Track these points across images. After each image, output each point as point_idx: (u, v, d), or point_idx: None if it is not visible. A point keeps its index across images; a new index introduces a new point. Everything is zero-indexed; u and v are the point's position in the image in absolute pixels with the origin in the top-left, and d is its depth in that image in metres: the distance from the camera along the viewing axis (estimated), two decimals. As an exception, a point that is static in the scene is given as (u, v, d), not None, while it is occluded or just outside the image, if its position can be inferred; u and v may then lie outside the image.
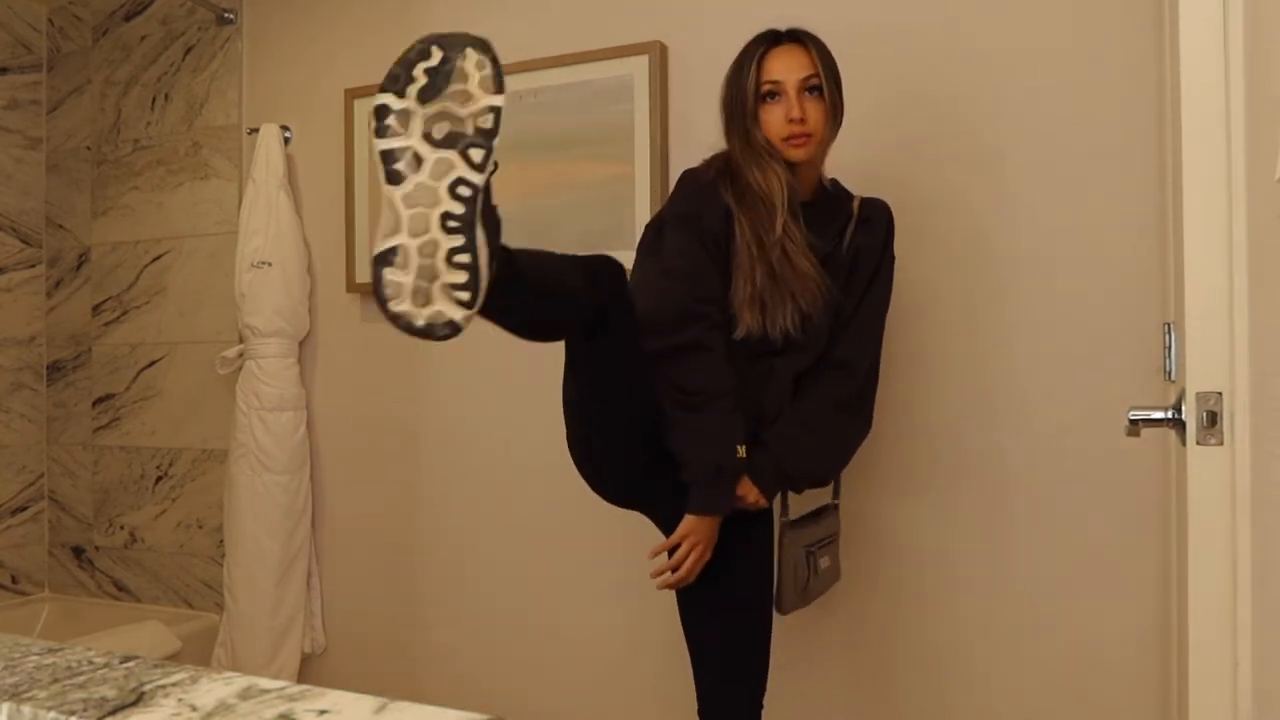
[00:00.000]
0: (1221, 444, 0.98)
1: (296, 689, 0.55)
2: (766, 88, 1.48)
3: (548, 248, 2.26)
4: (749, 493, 1.46)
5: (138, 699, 0.54)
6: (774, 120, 1.48)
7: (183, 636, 2.44)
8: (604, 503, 1.55)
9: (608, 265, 1.31)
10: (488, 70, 1.03)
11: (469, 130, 1.02)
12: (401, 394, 2.38)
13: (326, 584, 2.48)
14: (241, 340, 2.45)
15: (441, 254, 1.02)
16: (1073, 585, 1.75)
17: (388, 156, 1.02)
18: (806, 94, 1.48)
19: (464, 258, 1.02)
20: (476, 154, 1.02)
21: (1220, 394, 0.98)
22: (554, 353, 2.32)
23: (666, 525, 1.51)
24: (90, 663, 0.61)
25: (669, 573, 1.44)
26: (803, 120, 1.46)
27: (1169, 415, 1.11)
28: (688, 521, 1.42)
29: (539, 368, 2.21)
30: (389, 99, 1.03)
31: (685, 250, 1.47)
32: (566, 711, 2.19)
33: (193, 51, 2.65)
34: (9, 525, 2.79)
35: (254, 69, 2.58)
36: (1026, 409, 1.78)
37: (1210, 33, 0.99)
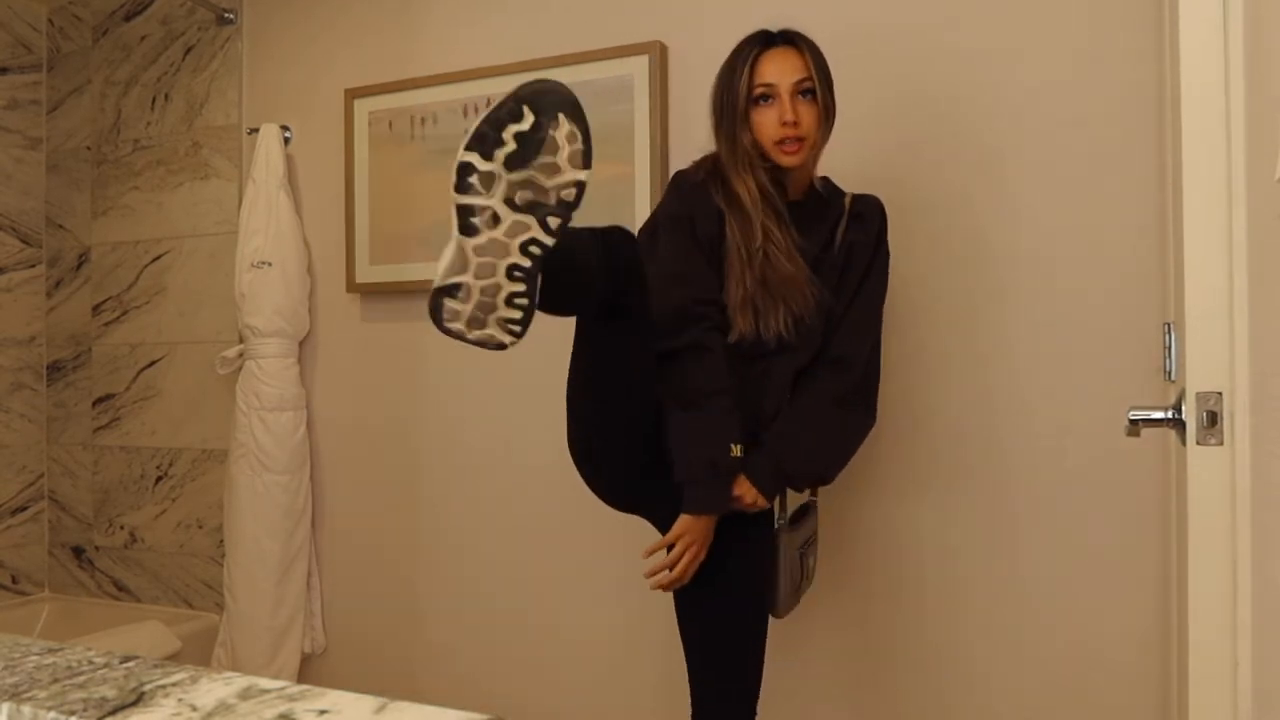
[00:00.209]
0: (1221, 444, 0.98)
1: (296, 689, 0.55)
2: (759, 91, 1.48)
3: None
4: (747, 493, 1.45)
5: (138, 699, 0.54)
6: (767, 124, 1.47)
7: (183, 636, 2.45)
8: (600, 506, 1.55)
9: (623, 239, 1.29)
10: (579, 144, 1.04)
11: (551, 201, 1.04)
12: (401, 394, 2.38)
13: (326, 584, 2.48)
14: (241, 340, 2.45)
15: (503, 295, 1.07)
16: (1072, 585, 1.75)
17: (465, 210, 1.05)
18: (800, 97, 1.47)
19: (523, 300, 1.07)
20: (554, 222, 1.05)
21: (1220, 394, 0.98)
22: (554, 353, 2.32)
23: (665, 528, 1.51)
24: (90, 663, 0.61)
25: (664, 572, 1.44)
26: (796, 123, 1.46)
27: (1169, 415, 1.11)
28: (682, 521, 1.42)
29: (539, 368, 2.21)
30: (475, 158, 1.04)
31: (682, 253, 1.47)
32: (566, 711, 2.19)
33: (193, 51, 2.65)
34: (9, 525, 2.79)
35: (254, 69, 2.58)
36: (1026, 409, 1.78)
37: (1210, 33, 0.99)
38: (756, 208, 1.46)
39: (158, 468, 2.69)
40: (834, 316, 1.53)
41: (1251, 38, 0.91)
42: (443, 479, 2.34)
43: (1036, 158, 1.77)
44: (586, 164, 1.05)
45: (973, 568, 1.82)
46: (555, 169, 1.04)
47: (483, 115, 1.04)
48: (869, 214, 1.57)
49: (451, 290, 1.07)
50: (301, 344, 2.47)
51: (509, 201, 1.04)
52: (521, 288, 1.07)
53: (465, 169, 1.04)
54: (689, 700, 1.54)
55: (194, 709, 0.52)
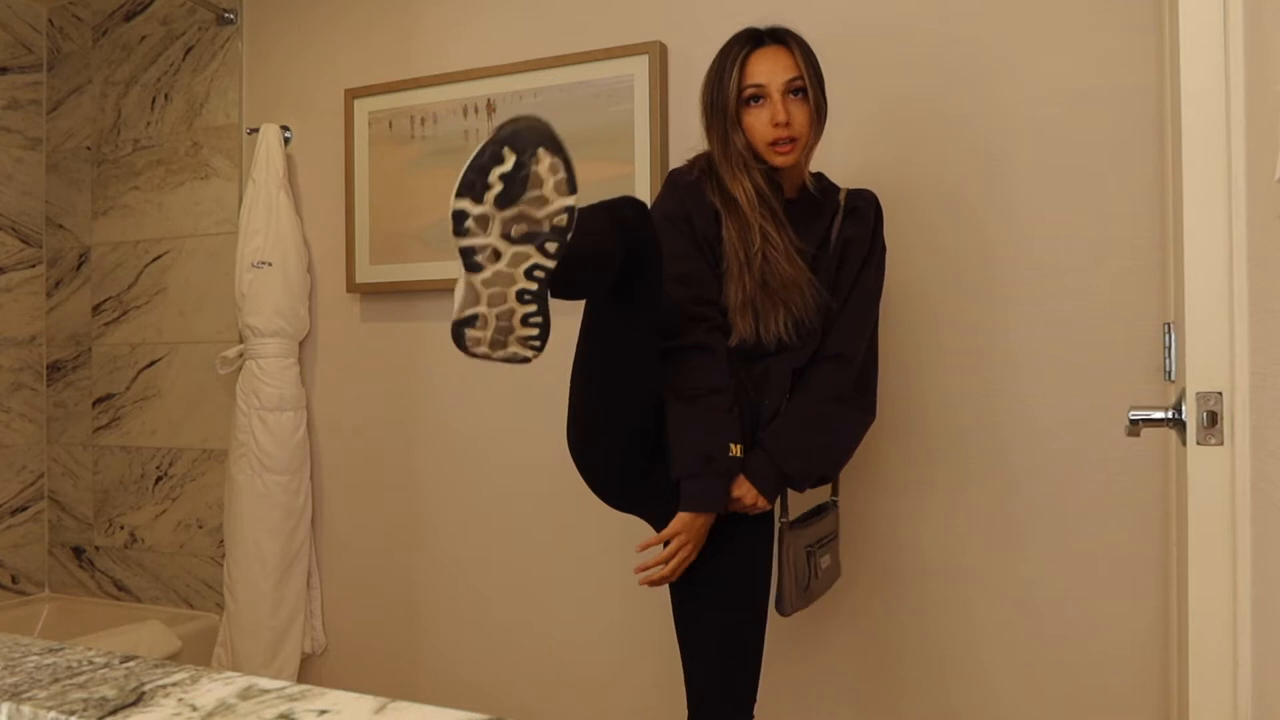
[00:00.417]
0: (1221, 444, 0.98)
1: (296, 689, 0.55)
2: (749, 91, 1.47)
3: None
4: (747, 494, 1.44)
5: (138, 699, 0.54)
6: (759, 125, 1.47)
7: (183, 636, 2.45)
8: (603, 504, 1.55)
9: (635, 217, 1.29)
10: (561, 174, 1.07)
11: (545, 229, 1.09)
12: (401, 394, 2.38)
13: (326, 584, 2.48)
14: (241, 340, 2.45)
15: (518, 318, 1.15)
16: (1073, 585, 1.75)
17: (468, 251, 1.11)
18: (790, 96, 1.46)
19: (537, 319, 1.14)
20: (551, 246, 1.09)
21: (1220, 394, 0.98)
22: (553, 354, 2.32)
23: (662, 528, 1.51)
24: (90, 663, 0.61)
25: (656, 567, 1.43)
26: (788, 124, 1.45)
27: (1169, 415, 1.11)
28: (679, 519, 1.41)
29: (539, 368, 2.21)
30: (466, 205, 1.07)
31: (682, 254, 1.47)
32: (566, 711, 2.19)
33: (193, 51, 2.65)
34: (9, 525, 2.79)
35: (254, 69, 2.58)
36: (1027, 409, 1.78)
37: (1210, 33, 0.99)
38: (754, 210, 1.45)
39: (158, 468, 2.69)
40: (834, 308, 1.53)
41: (1252, 38, 0.91)
42: (443, 479, 2.34)
43: (1036, 158, 1.77)
44: (572, 190, 1.08)
45: (972, 567, 1.82)
46: (543, 200, 1.08)
47: (467, 162, 1.07)
48: (864, 208, 1.56)
49: (469, 321, 1.15)
50: (301, 344, 2.47)
51: (506, 236, 1.09)
52: (533, 308, 1.14)
53: (460, 216, 1.08)
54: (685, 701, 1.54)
55: (194, 709, 0.52)
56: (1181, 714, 1.33)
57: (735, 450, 1.41)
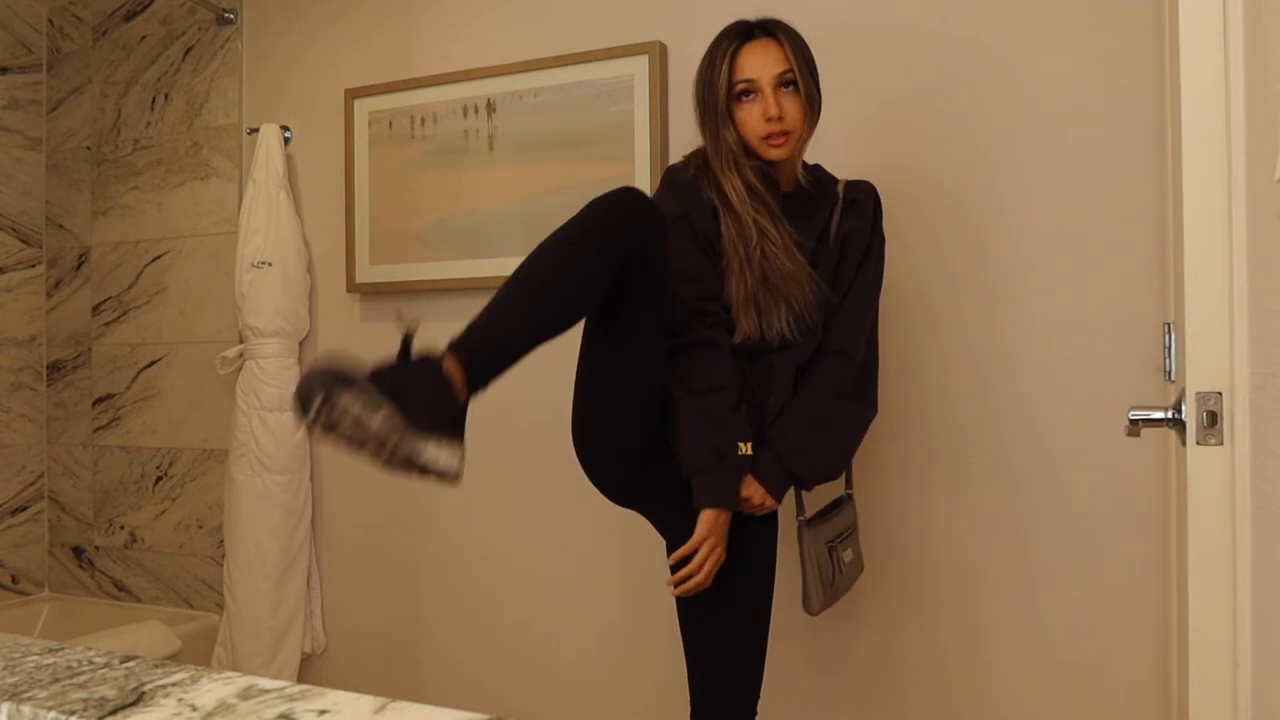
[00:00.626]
0: (1221, 444, 0.98)
1: (296, 689, 0.55)
2: (740, 86, 1.46)
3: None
4: (755, 494, 1.43)
5: (138, 699, 0.54)
6: (751, 120, 1.46)
7: (183, 636, 2.45)
8: (604, 503, 1.54)
9: (629, 217, 1.26)
10: (359, 406, 1.05)
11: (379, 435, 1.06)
12: (401, 394, 2.38)
13: (326, 584, 2.48)
14: (241, 340, 2.45)
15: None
16: (1072, 585, 1.74)
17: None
18: (782, 89, 1.45)
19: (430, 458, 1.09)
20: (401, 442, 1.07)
21: (1220, 394, 0.98)
22: (553, 353, 2.31)
23: (663, 526, 1.51)
24: (90, 663, 0.61)
25: (690, 578, 1.41)
26: (780, 118, 1.44)
27: (1169, 415, 1.11)
28: (704, 522, 1.39)
29: (539, 367, 2.21)
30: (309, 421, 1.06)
31: (683, 252, 1.46)
32: (566, 712, 2.19)
33: (193, 51, 2.65)
34: (9, 525, 2.79)
35: (254, 69, 2.58)
36: (1026, 409, 1.78)
37: (1210, 33, 0.99)
38: (745, 205, 1.44)
39: (158, 468, 2.69)
40: (831, 308, 1.52)
41: (1251, 38, 0.91)
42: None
43: (1036, 158, 1.77)
44: (379, 409, 1.05)
45: (972, 567, 1.82)
46: (362, 423, 1.05)
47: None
48: (863, 199, 1.55)
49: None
50: (301, 344, 2.47)
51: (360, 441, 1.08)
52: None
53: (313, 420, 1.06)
54: (688, 700, 1.54)
55: (194, 709, 0.52)
56: (1181, 714, 1.33)
57: (745, 448, 1.40)
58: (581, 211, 1.29)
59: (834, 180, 1.59)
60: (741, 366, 1.47)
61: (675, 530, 1.46)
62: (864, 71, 1.90)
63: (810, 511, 1.59)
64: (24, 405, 2.83)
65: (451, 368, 1.18)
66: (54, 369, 2.87)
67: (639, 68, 2.06)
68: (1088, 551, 1.73)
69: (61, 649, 0.64)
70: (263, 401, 2.38)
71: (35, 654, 0.63)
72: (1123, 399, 1.67)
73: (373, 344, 2.42)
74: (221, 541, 2.53)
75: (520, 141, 2.19)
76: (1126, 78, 1.70)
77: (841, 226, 1.53)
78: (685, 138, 2.01)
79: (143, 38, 2.72)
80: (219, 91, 2.61)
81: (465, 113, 2.25)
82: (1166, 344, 1.50)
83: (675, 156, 2.03)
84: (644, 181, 2.05)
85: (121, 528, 2.75)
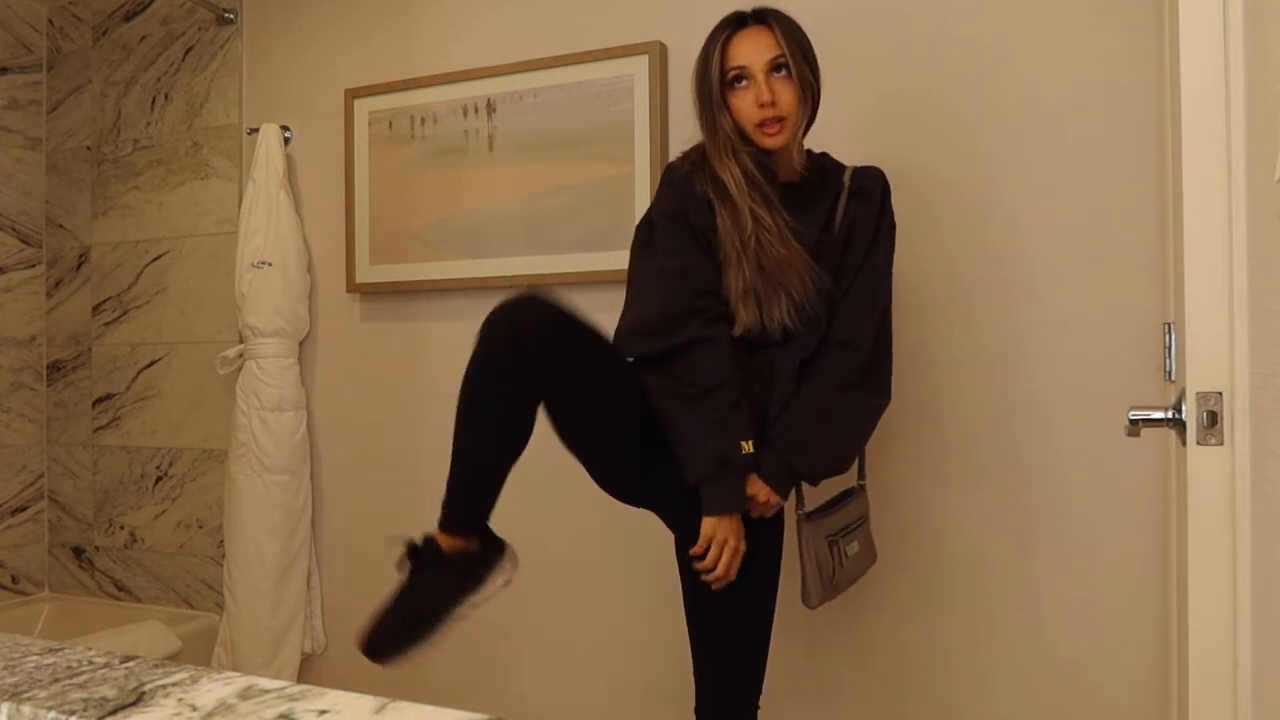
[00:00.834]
0: (1221, 444, 0.98)
1: (296, 689, 0.55)
2: (733, 73, 1.45)
3: (548, 248, 2.27)
4: (760, 492, 1.42)
5: (138, 699, 0.54)
6: (745, 107, 1.45)
7: (183, 636, 2.45)
8: (605, 502, 1.55)
9: (523, 349, 1.33)
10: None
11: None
12: (401, 394, 2.38)
13: (326, 584, 2.48)
14: (241, 340, 2.45)
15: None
16: (1072, 585, 1.75)
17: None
18: (775, 75, 1.44)
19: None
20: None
21: (1220, 394, 0.98)
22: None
23: (672, 523, 1.53)
24: (90, 663, 0.61)
25: (713, 572, 1.42)
26: (774, 103, 1.42)
27: (1169, 415, 1.11)
28: (706, 525, 1.40)
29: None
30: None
31: (680, 249, 1.46)
32: (567, 712, 2.19)
33: (193, 51, 2.65)
34: (9, 525, 2.79)
35: (254, 69, 2.58)
36: (1026, 409, 1.78)
37: (1210, 33, 0.99)
38: (743, 194, 1.43)
39: (158, 468, 2.69)
40: (837, 296, 1.49)
41: (1252, 38, 0.91)
42: (442, 479, 2.33)
43: (1036, 157, 1.77)
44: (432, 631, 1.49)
45: (969, 565, 1.82)
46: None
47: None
48: (869, 187, 1.53)
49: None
50: (301, 344, 2.47)
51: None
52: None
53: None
54: (691, 699, 1.54)
55: (194, 709, 0.52)
56: (1181, 714, 1.33)
57: (747, 447, 1.39)
58: (480, 341, 1.37)
59: (840, 168, 1.56)
60: (743, 360, 1.46)
61: (684, 527, 1.47)
62: (863, 70, 1.90)
63: (815, 504, 1.57)
64: (24, 405, 2.83)
65: (447, 543, 1.43)
66: (54, 369, 2.87)
67: (639, 68, 2.06)
68: (1088, 551, 1.73)
69: (61, 649, 0.64)
70: (263, 401, 2.38)
71: (35, 654, 0.63)
72: (1123, 399, 1.67)
73: (373, 344, 2.42)
74: (221, 541, 2.53)
75: (520, 141, 2.19)
76: (1126, 77, 1.70)
77: (847, 214, 1.51)
78: (685, 137, 2.01)
79: (143, 38, 2.72)
80: (219, 91, 2.61)
81: (465, 113, 2.25)
82: (1166, 344, 1.50)
83: (675, 156, 2.03)
84: (644, 182, 2.05)
85: (121, 528, 2.75)
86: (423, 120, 2.30)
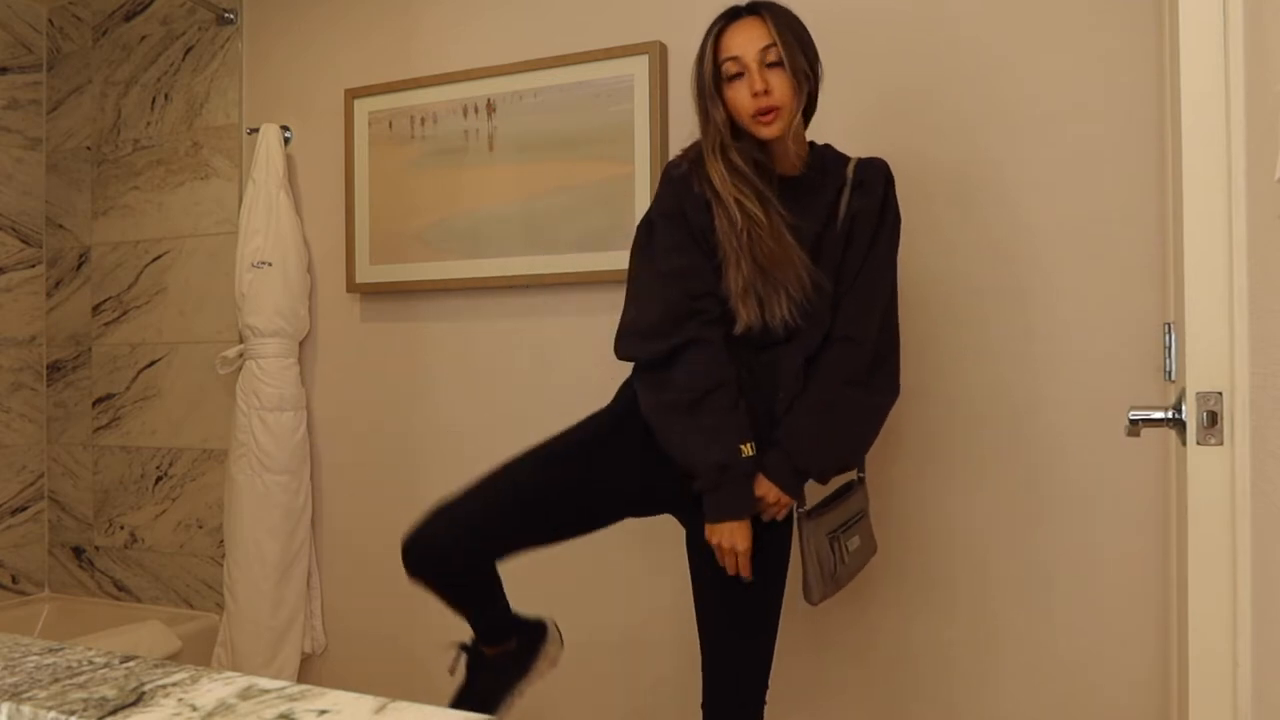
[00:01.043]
0: (1221, 444, 0.98)
1: (296, 689, 0.55)
2: (728, 66, 1.45)
3: (548, 248, 2.27)
4: (769, 493, 1.42)
5: (138, 699, 0.54)
6: (740, 98, 1.44)
7: (183, 636, 2.45)
8: None
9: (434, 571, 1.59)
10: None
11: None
12: (401, 394, 2.38)
13: (326, 584, 2.48)
14: (241, 340, 2.45)
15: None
16: (1072, 584, 1.74)
17: None
18: (768, 66, 1.43)
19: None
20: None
21: (1220, 394, 0.98)
22: (554, 353, 2.32)
23: (682, 519, 1.54)
24: (90, 663, 0.61)
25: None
26: (767, 92, 1.42)
27: (1169, 415, 1.11)
28: (710, 531, 1.41)
29: (539, 367, 2.21)
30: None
31: (677, 248, 1.46)
32: (567, 711, 2.19)
33: (193, 51, 2.65)
34: (9, 525, 2.79)
35: (254, 69, 2.58)
36: (1026, 408, 1.78)
37: (1210, 33, 0.99)
38: (728, 188, 1.42)
39: (158, 468, 2.69)
40: (841, 291, 1.48)
41: (1252, 39, 0.91)
42: (442, 479, 2.33)
43: (1035, 157, 1.77)
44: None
45: (968, 565, 1.82)
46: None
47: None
48: (871, 180, 1.51)
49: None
50: (301, 344, 2.47)
51: None
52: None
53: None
54: (691, 700, 1.55)
55: (194, 709, 0.52)
56: (1181, 714, 1.33)
57: (747, 450, 1.39)
58: (410, 568, 1.60)
59: (843, 161, 1.55)
60: (746, 359, 1.45)
61: (693, 524, 1.49)
62: (865, 69, 1.90)
63: (814, 500, 1.57)
64: (24, 405, 2.83)
65: (490, 650, 1.62)
66: (54, 369, 2.87)
67: (639, 68, 2.06)
68: (1088, 551, 1.73)
69: (61, 649, 0.64)
70: (263, 401, 2.38)
71: (35, 654, 0.63)
72: (1123, 399, 1.67)
73: (373, 344, 2.42)
74: (221, 541, 2.53)
75: (520, 141, 2.19)
76: (1126, 76, 1.70)
77: (850, 209, 1.49)
78: (685, 137, 2.00)
79: (143, 38, 2.72)
80: (219, 91, 2.61)
81: (465, 113, 2.25)
82: (1166, 344, 1.50)
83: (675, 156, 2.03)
84: (644, 182, 2.05)
85: (121, 528, 2.75)
86: (423, 120, 2.30)
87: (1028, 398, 1.78)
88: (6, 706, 0.53)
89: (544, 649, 1.63)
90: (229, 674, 0.57)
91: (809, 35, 1.48)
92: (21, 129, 2.84)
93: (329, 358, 2.48)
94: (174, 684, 0.56)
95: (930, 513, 1.86)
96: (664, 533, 1.62)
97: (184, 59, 2.66)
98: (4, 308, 2.79)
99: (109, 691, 0.55)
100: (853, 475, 1.67)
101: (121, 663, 0.60)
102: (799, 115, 1.47)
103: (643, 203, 2.04)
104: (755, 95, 1.42)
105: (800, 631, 1.94)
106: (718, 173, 1.44)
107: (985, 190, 1.81)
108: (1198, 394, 0.99)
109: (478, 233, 2.24)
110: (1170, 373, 1.45)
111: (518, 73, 2.18)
